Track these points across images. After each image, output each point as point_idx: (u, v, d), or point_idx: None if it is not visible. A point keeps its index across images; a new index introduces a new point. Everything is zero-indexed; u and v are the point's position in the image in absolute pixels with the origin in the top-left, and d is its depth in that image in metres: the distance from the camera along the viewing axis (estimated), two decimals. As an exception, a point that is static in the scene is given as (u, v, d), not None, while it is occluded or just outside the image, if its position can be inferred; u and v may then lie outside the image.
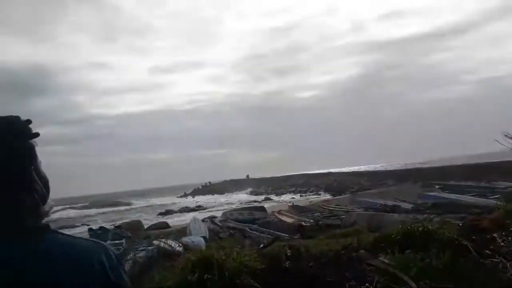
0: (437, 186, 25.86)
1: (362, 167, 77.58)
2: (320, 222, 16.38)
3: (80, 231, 26.62)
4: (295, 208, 21.90)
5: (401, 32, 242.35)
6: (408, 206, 18.46)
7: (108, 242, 14.77)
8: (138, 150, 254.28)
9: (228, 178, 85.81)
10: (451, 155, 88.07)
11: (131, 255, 11.85)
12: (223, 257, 3.62)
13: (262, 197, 49.87)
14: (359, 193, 34.57)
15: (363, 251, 3.59)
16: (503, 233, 3.45)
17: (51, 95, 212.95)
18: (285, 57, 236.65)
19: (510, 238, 3.36)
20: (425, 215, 13.82)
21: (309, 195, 46.02)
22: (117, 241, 16.38)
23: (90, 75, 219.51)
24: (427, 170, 46.83)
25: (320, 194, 45.28)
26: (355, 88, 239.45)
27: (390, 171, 55.49)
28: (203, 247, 13.13)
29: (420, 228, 3.64)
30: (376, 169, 62.95)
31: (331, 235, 13.37)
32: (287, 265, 3.79)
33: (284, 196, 49.79)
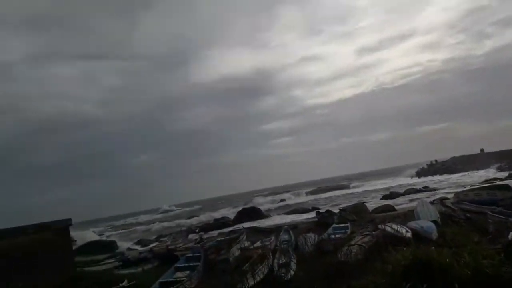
0: None
1: None
2: None
3: (310, 216, 28.89)
4: (555, 186, 17.28)
5: None
6: None
7: (334, 225, 15.43)
8: (354, 133, 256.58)
9: (457, 154, 76.14)
10: None
11: (356, 239, 11.86)
12: (448, 259, 2.85)
13: (506, 173, 41.88)
14: None
15: None
16: None
17: (273, 93, 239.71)
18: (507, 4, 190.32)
19: None
20: None
21: None
22: (342, 224, 16.85)
23: (303, 70, 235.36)
24: None
25: None
26: None
27: None
28: (434, 233, 11.95)
29: None
30: None
31: None
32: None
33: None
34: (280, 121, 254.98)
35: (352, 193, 52.73)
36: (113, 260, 17.38)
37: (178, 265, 12.81)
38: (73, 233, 16.32)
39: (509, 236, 8.85)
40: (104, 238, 37.09)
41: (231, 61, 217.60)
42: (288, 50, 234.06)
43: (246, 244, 15.73)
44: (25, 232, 11.06)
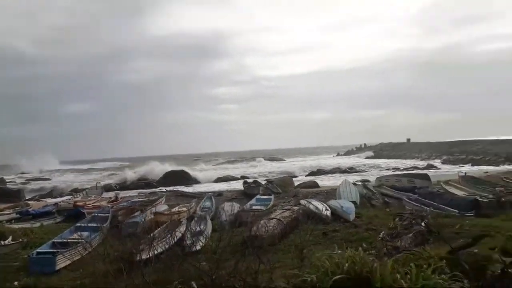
0: None
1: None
2: (503, 199, 13.11)
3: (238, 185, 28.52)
4: (467, 179, 18.36)
5: None
6: None
7: (257, 196, 14.88)
8: (299, 109, 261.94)
9: (385, 141, 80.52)
10: None
11: (276, 213, 11.46)
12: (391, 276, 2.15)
13: (425, 163, 44.90)
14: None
15: None
16: None
17: (226, 57, 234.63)
18: (468, 3, 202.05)
19: None
20: None
21: (485, 165, 39.21)
22: (265, 196, 16.55)
23: (260, 38, 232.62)
24: None
25: (499, 164, 38.11)
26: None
27: None
28: (352, 214, 11.94)
29: None
30: None
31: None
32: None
33: (450, 164, 43.76)
34: (229, 87, 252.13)
35: (281, 166, 53.58)
36: (10, 211, 15.55)
37: (80, 224, 11.57)
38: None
39: (422, 224, 8.90)
40: (13, 186, 33.87)
41: (190, 17, 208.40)
42: (249, 16, 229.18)
43: (163, 208, 14.83)
44: None
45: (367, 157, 65.88)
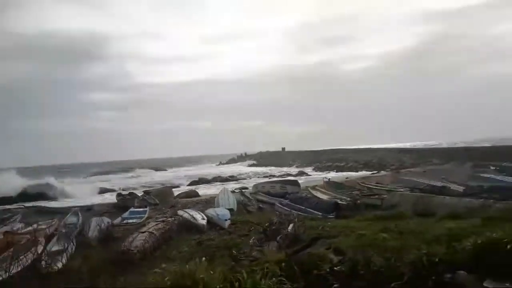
0: (492, 168, 23.28)
1: (407, 144, 73.55)
2: (358, 201, 14.87)
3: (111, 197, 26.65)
4: (330, 184, 20.38)
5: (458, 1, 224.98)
6: (459, 188, 16.48)
7: (131, 209, 14.00)
8: (182, 118, 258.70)
9: (264, 150, 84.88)
10: (502, 135, 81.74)
11: (149, 225, 10.97)
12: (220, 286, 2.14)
13: (297, 170, 48.52)
14: (401, 171, 32.37)
15: (462, 272, 2.13)
16: None
17: (103, 61, 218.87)
18: (335, 26, 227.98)
19: None
20: (482, 200, 12.02)
21: (347, 171, 44.17)
22: (140, 209, 15.78)
23: (143, 44, 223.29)
24: (477, 149, 43.31)
25: (358, 171, 43.31)
26: (409, 61, 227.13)
27: (435, 148, 52.11)
28: (228, 221, 12.14)
29: None
30: (419, 147, 59.49)
31: (371, 217, 11.92)
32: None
33: (319, 171, 48.19)
34: (107, 93, 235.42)
35: (162, 176, 52.17)
36: None
37: None
38: None
39: (289, 228, 9.46)
40: None
41: (59, 17, 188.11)
42: (129, 20, 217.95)
43: (17, 226, 12.95)
44: None
45: (249, 165, 68.47)
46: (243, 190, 20.73)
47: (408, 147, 60.19)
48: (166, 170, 71.06)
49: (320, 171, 47.50)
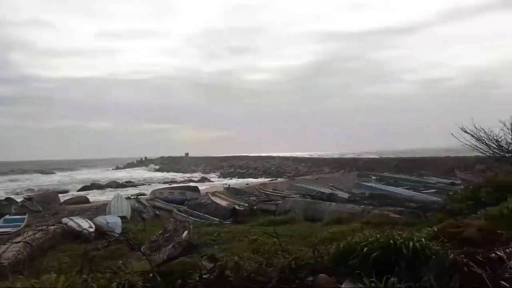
0: (373, 177, 25.97)
1: (304, 153, 78.38)
2: (255, 207, 15.30)
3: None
4: (230, 191, 20.66)
5: (357, 25, 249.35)
6: (344, 195, 18.00)
7: (6, 216, 12.35)
8: (75, 117, 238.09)
9: (166, 155, 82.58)
10: (387, 149, 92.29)
11: (25, 235, 9.80)
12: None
13: (199, 176, 48.25)
14: (296, 178, 34.31)
15: (323, 275, 2.27)
16: (508, 250, 2.32)
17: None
18: (240, 37, 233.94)
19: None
20: (363, 206, 13.29)
21: (248, 177, 45.30)
22: (17, 216, 14.06)
23: (31, 33, 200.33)
24: (363, 160, 48.00)
25: (258, 177, 44.70)
26: (306, 77, 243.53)
27: (327, 158, 56.41)
28: (118, 230, 11.47)
29: (410, 244, 2.36)
30: (314, 156, 63.85)
31: (266, 221, 12.35)
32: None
33: (222, 177, 48.59)
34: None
35: (51, 180, 47.50)
36: None
37: None
38: None
39: (183, 235, 9.30)
40: None
41: None
42: (13, 6, 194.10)
43: None
44: None
45: (149, 170, 66.01)
46: (140, 197, 19.84)
47: (304, 156, 64.17)
48: (54, 173, 64.80)
49: (223, 177, 47.91)
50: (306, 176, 36.33)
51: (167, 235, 9.28)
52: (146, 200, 18.58)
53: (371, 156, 54.78)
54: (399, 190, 17.98)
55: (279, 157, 60.04)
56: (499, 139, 11.80)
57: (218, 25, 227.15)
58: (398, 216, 10.69)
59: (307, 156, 65.75)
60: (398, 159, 43.58)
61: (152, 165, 72.63)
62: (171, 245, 8.16)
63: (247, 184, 31.72)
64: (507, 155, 12.17)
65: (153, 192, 21.38)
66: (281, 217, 12.91)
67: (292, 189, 21.31)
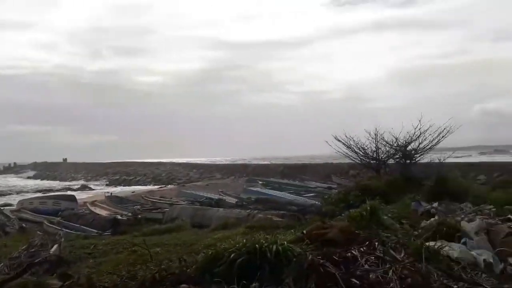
0: (260, 182, 27.00)
1: (196, 159, 77.73)
2: (140, 216, 14.58)
3: None
4: (112, 199, 19.36)
5: (249, 35, 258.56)
6: (232, 200, 18.32)
7: None
8: None
9: (40, 160, 73.98)
10: (276, 155, 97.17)
11: None
12: None
13: (79, 184, 44.34)
14: (187, 185, 33.86)
15: (184, 285, 2.18)
16: (362, 249, 2.56)
17: None
18: (129, 37, 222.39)
19: (373, 258, 2.47)
20: (249, 211, 13.66)
21: (135, 184, 43.20)
22: None
23: None
24: (253, 166, 49.72)
25: (147, 184, 42.97)
26: (197, 81, 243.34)
27: (219, 164, 57.02)
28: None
29: (274, 247, 2.41)
30: (206, 162, 63.97)
31: (149, 231, 11.82)
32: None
33: (107, 185, 45.42)
34: None
35: None
36: None
37: None
38: None
39: (52, 250, 8.34)
40: None
41: None
42: None
43: None
44: None
45: (20, 178, 58.48)
46: (4, 208, 17.35)
47: (196, 162, 63.81)
48: None
49: (107, 185, 44.82)
50: (197, 183, 36.10)
51: (33, 250, 8.21)
52: (11, 211, 16.34)
53: (260, 162, 57.06)
54: (283, 194, 19.01)
55: (170, 163, 58.64)
56: (366, 147, 13.36)
57: (103, 23, 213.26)
58: (280, 219, 11.20)
59: (199, 162, 65.48)
60: (284, 165, 46.19)
61: (28, 172, 64.41)
62: (36, 261, 7.23)
63: (133, 192, 30.16)
64: (372, 161, 13.84)
65: (21, 202, 18.93)
66: (167, 225, 12.51)
67: (181, 196, 20.94)
